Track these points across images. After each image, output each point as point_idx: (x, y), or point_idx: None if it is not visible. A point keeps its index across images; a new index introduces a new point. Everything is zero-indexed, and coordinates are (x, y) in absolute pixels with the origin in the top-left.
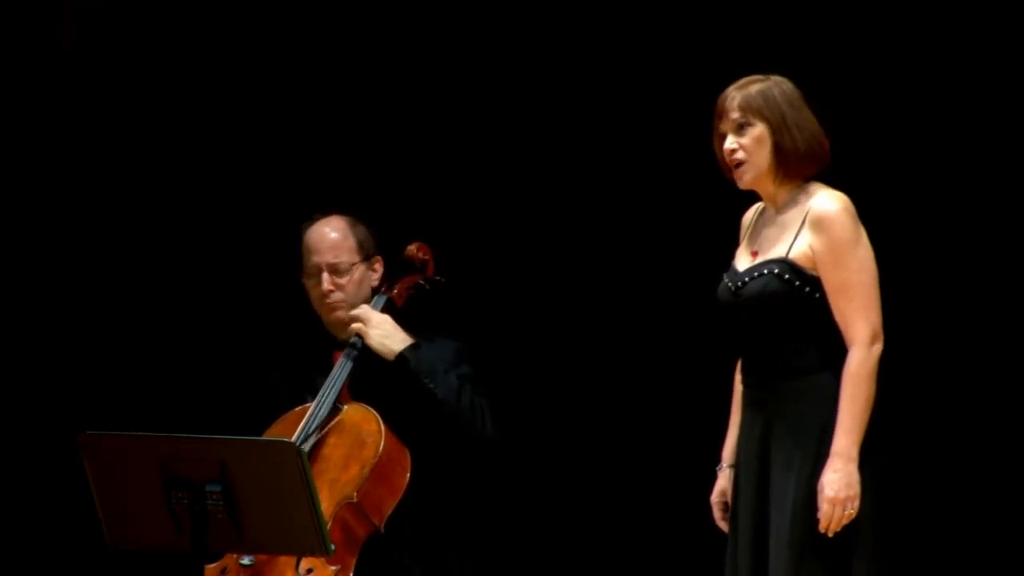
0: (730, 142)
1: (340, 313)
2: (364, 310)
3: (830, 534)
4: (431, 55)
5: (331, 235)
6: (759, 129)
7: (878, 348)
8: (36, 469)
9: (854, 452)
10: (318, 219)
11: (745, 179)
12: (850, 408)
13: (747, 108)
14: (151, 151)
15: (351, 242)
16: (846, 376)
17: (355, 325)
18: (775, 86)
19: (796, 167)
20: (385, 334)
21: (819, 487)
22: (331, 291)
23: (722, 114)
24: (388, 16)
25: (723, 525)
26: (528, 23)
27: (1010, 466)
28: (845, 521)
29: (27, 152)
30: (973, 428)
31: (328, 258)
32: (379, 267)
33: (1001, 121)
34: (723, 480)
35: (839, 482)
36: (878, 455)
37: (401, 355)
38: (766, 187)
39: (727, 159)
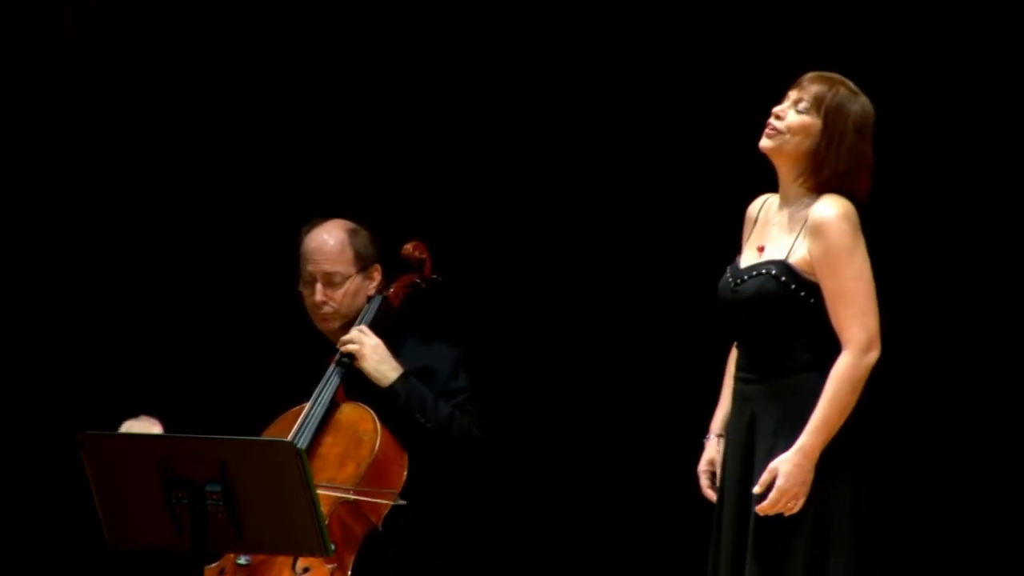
0: (782, 108)
1: (332, 324)
2: (357, 336)
3: (761, 514)
4: (429, 56)
5: (328, 244)
6: (813, 122)
7: (873, 356)
8: (36, 469)
9: (816, 454)
10: (317, 225)
11: (766, 144)
12: (828, 409)
13: (820, 100)
14: (151, 152)
15: (348, 253)
16: (833, 377)
17: (350, 347)
18: (858, 104)
19: (824, 178)
20: (380, 360)
21: (772, 468)
22: (324, 302)
23: (798, 85)
24: (386, 15)
25: (709, 494)
26: (527, 23)
27: (998, 465)
28: (785, 513)
29: (27, 152)
30: (961, 426)
31: (323, 268)
32: (377, 275)
33: (1001, 128)
34: (710, 450)
35: (795, 476)
36: (860, 449)
37: (391, 388)
38: (785, 173)
39: (770, 117)
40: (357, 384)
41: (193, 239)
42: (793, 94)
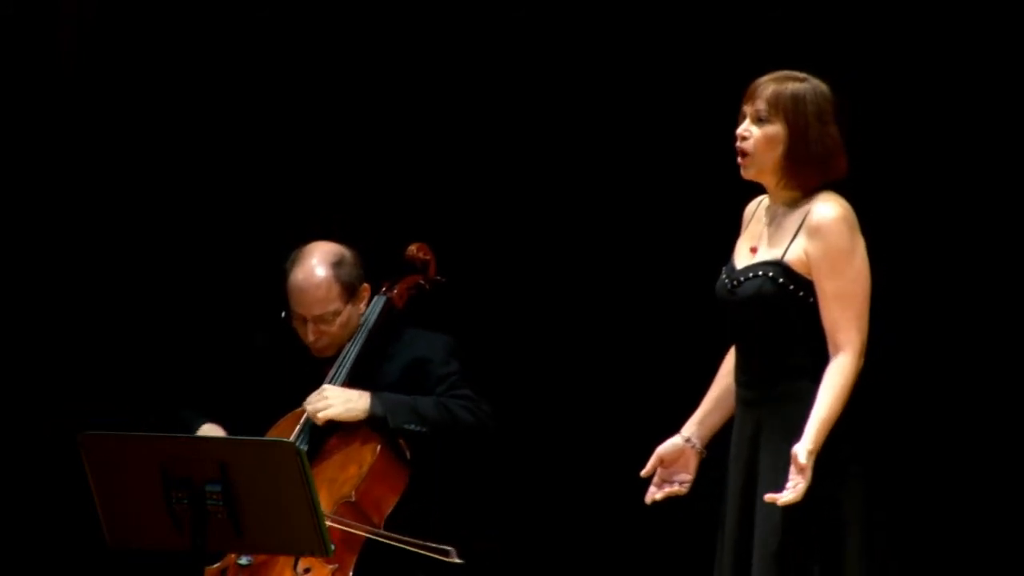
0: (743, 128)
1: (330, 352)
2: (316, 407)
3: (780, 503)
4: (430, 56)
5: (312, 285)
6: (776, 129)
7: (862, 362)
8: (36, 469)
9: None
10: (299, 261)
11: (747, 173)
12: (832, 408)
13: (774, 104)
14: (156, 153)
15: (335, 290)
16: (837, 375)
17: (321, 418)
18: (810, 92)
19: (803, 177)
20: (345, 400)
21: (800, 464)
22: (318, 338)
23: (750, 98)
24: (386, 16)
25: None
26: (526, 23)
27: (1003, 470)
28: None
29: (26, 153)
30: (964, 432)
31: (313, 312)
32: (366, 294)
33: (999, 129)
34: (666, 445)
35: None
36: (869, 451)
37: (372, 415)
38: (769, 184)
39: (736, 142)
40: (361, 377)
41: (193, 239)
42: (747, 108)
